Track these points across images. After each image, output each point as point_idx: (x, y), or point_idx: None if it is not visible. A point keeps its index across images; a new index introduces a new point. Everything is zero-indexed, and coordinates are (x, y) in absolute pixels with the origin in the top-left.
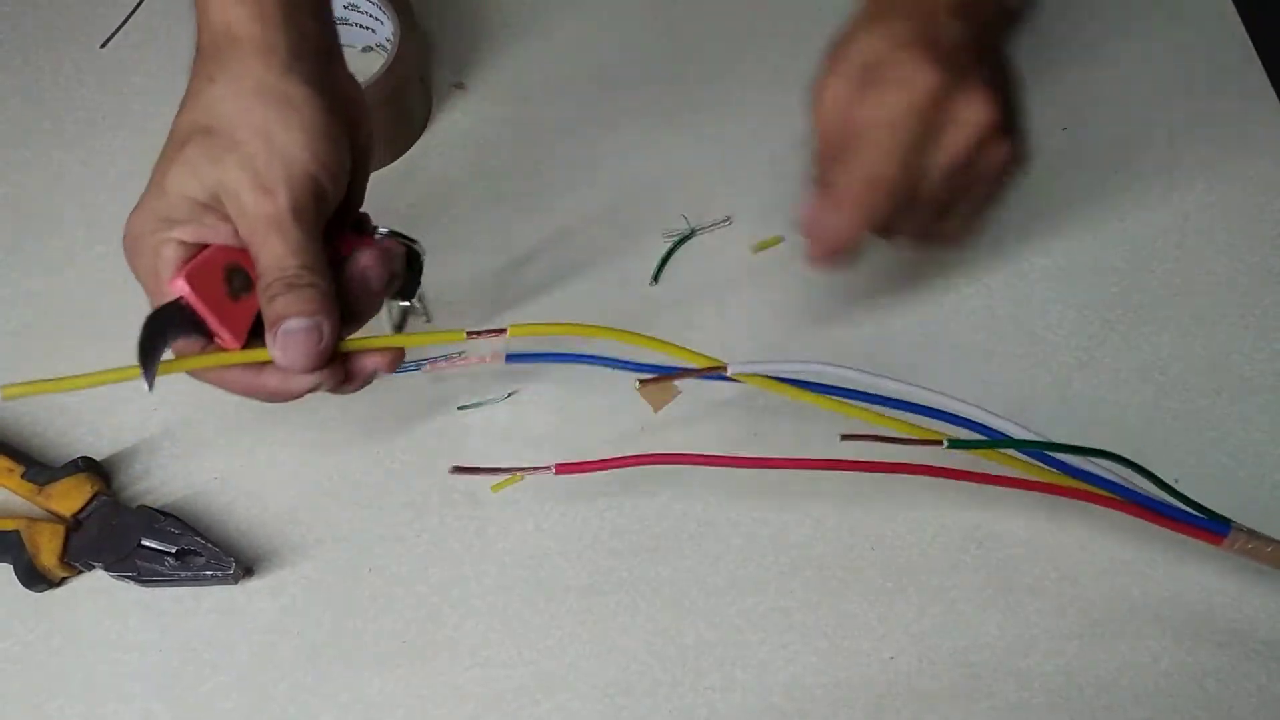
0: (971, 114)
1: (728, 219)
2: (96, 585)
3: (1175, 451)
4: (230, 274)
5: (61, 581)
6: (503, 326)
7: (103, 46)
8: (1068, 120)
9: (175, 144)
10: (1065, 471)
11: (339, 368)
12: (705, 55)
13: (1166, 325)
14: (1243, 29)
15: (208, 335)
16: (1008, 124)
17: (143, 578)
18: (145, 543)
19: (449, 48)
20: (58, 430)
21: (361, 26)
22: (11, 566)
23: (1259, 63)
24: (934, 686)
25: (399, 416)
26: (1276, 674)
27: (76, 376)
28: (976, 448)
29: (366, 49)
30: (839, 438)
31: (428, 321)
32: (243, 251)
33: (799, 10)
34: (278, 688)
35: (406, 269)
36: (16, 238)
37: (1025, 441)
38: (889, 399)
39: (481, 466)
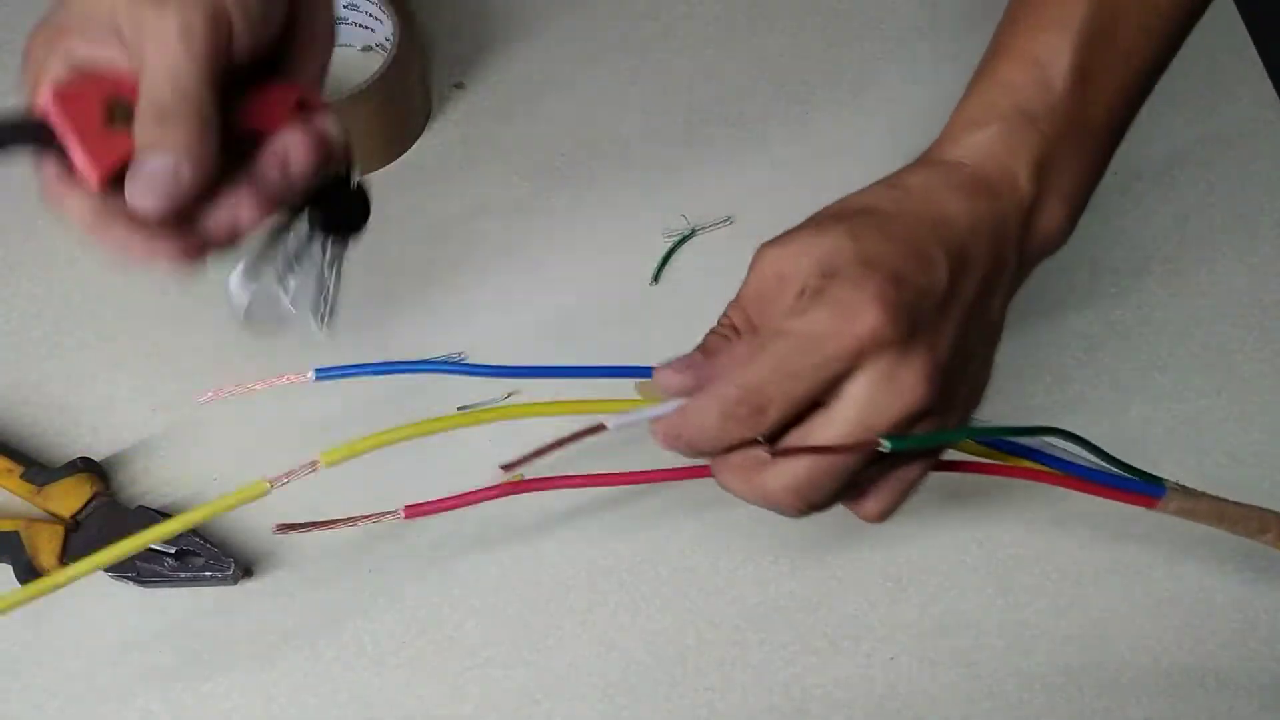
0: (903, 386)
1: (728, 219)
2: (95, 586)
3: (1175, 451)
4: (113, 106)
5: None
6: (313, 460)
7: None
8: None
9: None
10: (1012, 453)
11: (188, 233)
12: (706, 54)
13: (1166, 325)
14: (1244, 28)
15: (67, 164)
16: (945, 403)
17: (142, 578)
18: None
19: (449, 48)
20: (56, 430)
21: (361, 26)
22: (10, 567)
23: (1259, 63)
24: (935, 687)
25: (399, 417)
26: (1277, 674)
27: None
28: (916, 443)
29: (366, 48)
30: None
31: (324, 321)
32: (135, 87)
33: (800, 10)
34: (277, 688)
35: (343, 194)
36: (16, 238)
37: (968, 431)
38: None
39: (306, 522)
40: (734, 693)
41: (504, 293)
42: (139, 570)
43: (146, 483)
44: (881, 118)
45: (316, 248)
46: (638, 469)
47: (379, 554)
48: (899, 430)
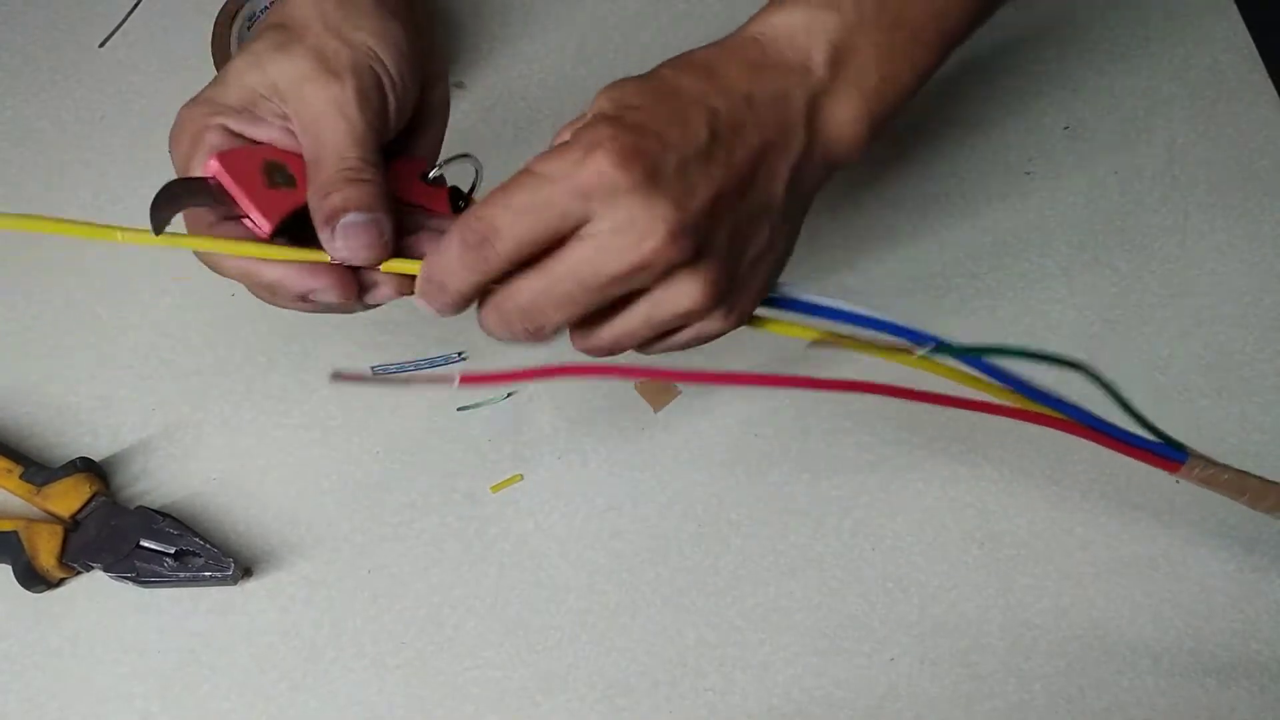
0: (634, 233)
1: None
2: (95, 586)
3: None
4: (270, 168)
5: (60, 583)
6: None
7: (101, 46)
8: (1069, 120)
9: (245, 45)
10: (1029, 396)
11: (353, 280)
12: None
13: (1166, 325)
14: (1245, 28)
15: (233, 216)
16: (699, 265)
17: (141, 579)
18: (144, 543)
19: (448, 47)
20: (56, 431)
21: None
22: (10, 567)
23: (1261, 63)
24: (935, 687)
25: (398, 417)
26: (1278, 675)
27: (61, 220)
28: (954, 352)
29: None
30: (806, 346)
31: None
32: (288, 153)
33: None
34: (277, 689)
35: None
36: (15, 238)
37: (985, 348)
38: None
39: (361, 375)
40: (734, 693)
41: None
42: (138, 571)
43: (146, 483)
44: None
45: None
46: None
47: (379, 554)
48: (645, 278)
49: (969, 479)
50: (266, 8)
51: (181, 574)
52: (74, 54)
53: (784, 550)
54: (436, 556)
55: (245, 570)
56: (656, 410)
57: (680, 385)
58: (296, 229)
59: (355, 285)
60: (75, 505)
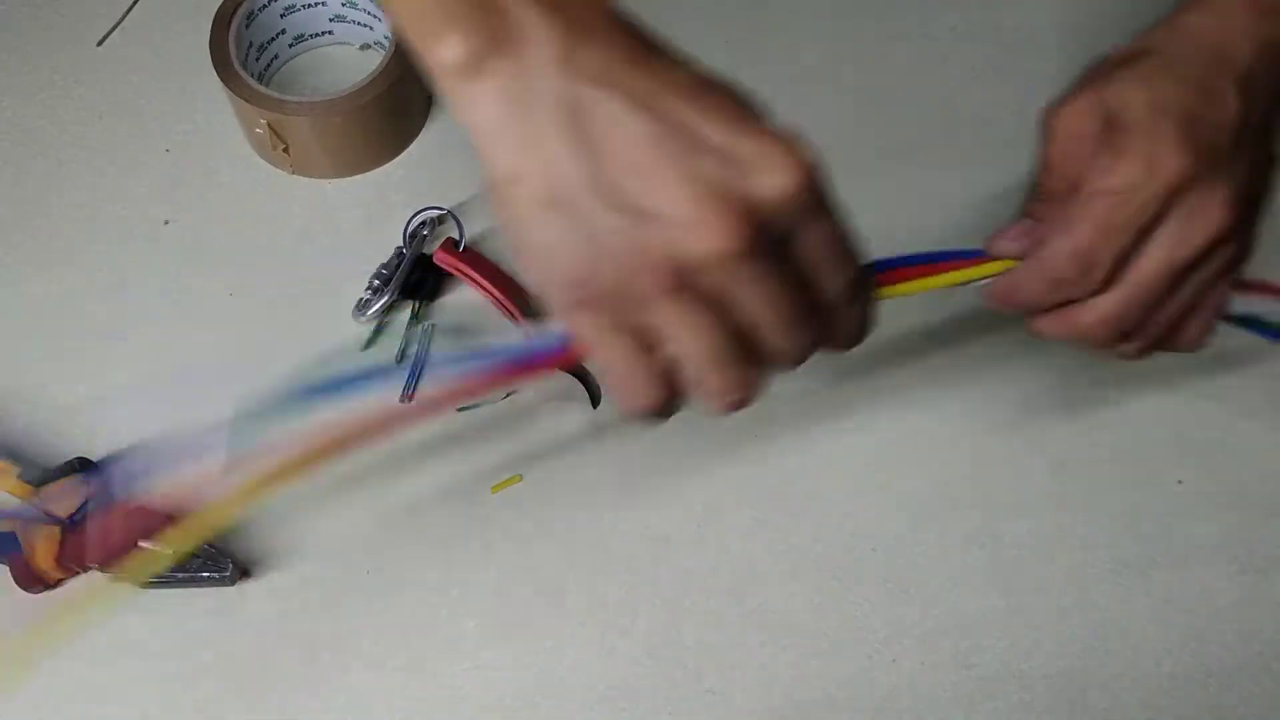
0: (1207, 218)
1: None
2: (93, 587)
3: (1176, 451)
4: None
5: (57, 583)
6: None
7: (99, 45)
8: None
9: None
10: None
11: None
12: (706, 53)
13: None
14: None
15: None
16: (1242, 227)
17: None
18: (142, 544)
19: None
20: (53, 431)
21: (359, 24)
22: (7, 568)
23: None
24: (936, 689)
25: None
26: (1278, 676)
27: None
28: None
29: (364, 46)
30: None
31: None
32: None
33: (804, 9)
34: (275, 689)
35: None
36: (14, 237)
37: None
38: None
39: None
40: (734, 694)
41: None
42: None
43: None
44: None
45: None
46: None
47: (378, 554)
48: (1201, 258)
49: (970, 479)
50: (264, 6)
51: (179, 574)
52: (72, 53)
53: (784, 551)
54: (436, 556)
55: (243, 570)
56: None
57: None
58: None
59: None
60: (73, 505)
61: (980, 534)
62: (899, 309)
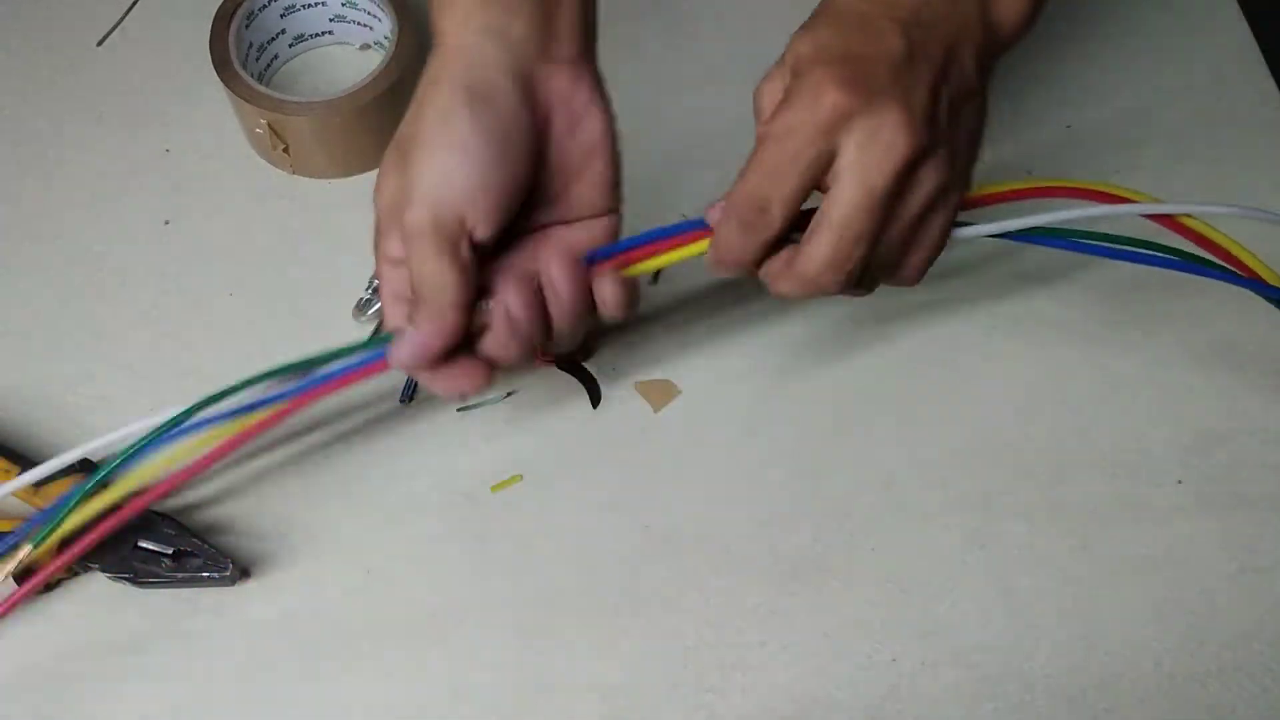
0: (884, 144)
1: None
2: (93, 587)
3: (1176, 451)
4: None
5: (57, 583)
6: None
7: (99, 45)
8: (1071, 118)
9: None
10: None
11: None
12: (707, 53)
13: (1167, 324)
14: (1247, 27)
15: None
16: (941, 154)
17: (139, 579)
18: (142, 544)
19: None
20: (53, 430)
21: (359, 24)
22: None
23: (1263, 62)
24: (936, 689)
25: (397, 417)
26: (1279, 676)
27: None
28: None
29: (364, 46)
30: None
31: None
32: None
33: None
34: (275, 690)
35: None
36: (14, 237)
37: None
38: None
39: None
40: (734, 694)
41: None
42: (136, 571)
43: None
44: None
45: None
46: None
47: (379, 554)
48: (903, 179)
49: (970, 479)
50: (264, 6)
51: (179, 574)
52: (72, 52)
53: (784, 551)
54: (436, 556)
55: (243, 571)
56: (657, 410)
57: (676, 383)
58: None
59: (488, 372)
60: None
61: (980, 534)
62: (904, 309)
